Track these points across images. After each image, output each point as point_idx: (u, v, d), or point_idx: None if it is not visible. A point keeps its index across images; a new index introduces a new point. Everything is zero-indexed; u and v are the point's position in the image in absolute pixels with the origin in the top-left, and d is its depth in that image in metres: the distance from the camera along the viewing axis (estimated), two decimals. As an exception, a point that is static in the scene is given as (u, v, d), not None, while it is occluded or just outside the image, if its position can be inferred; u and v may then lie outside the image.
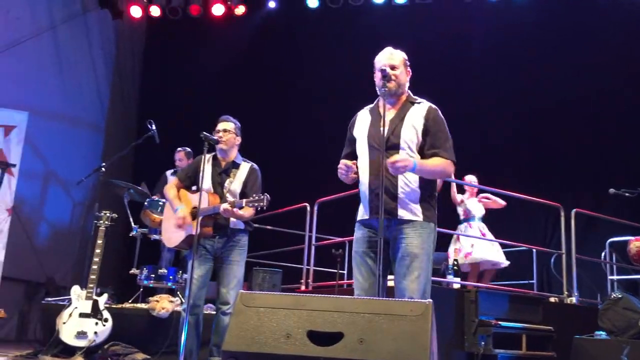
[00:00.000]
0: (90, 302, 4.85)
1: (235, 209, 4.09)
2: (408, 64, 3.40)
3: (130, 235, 6.18)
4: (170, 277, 5.67)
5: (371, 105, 3.45)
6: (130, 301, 5.70)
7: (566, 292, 6.12)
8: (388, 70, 3.26)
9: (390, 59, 3.33)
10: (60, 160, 8.37)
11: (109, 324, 4.85)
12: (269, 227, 7.06)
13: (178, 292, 5.64)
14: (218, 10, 9.28)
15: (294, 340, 2.26)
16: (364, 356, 2.17)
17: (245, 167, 4.42)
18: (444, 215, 6.74)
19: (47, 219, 8.36)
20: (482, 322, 4.68)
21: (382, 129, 3.14)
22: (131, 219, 6.17)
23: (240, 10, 9.36)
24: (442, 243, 6.42)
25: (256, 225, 4.64)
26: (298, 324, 2.29)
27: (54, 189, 8.41)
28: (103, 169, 5.92)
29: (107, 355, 4.83)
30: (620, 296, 5.20)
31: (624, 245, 6.33)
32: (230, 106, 5.89)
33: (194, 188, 4.45)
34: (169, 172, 6.82)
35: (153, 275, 5.65)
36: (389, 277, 3.37)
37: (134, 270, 5.88)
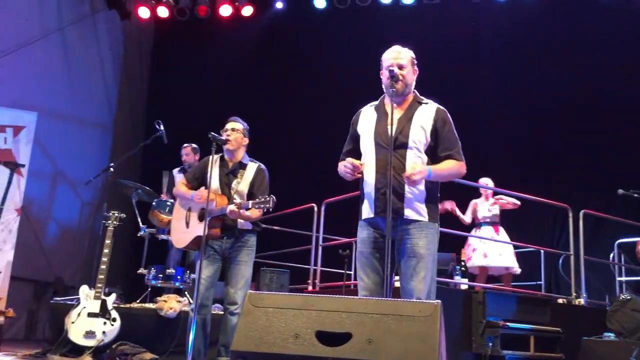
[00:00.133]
0: (98, 302, 4.87)
1: (241, 211, 4.09)
2: (415, 62, 3.38)
3: (138, 235, 6.20)
4: (178, 277, 5.69)
5: (375, 103, 3.43)
6: (138, 301, 5.72)
7: (574, 294, 6.10)
8: (396, 70, 3.24)
9: (398, 58, 3.31)
10: (69, 160, 8.41)
11: (117, 323, 4.86)
12: (276, 227, 7.07)
13: (186, 292, 5.65)
14: (225, 11, 9.31)
15: (302, 340, 2.26)
16: (373, 357, 2.17)
17: (252, 167, 4.43)
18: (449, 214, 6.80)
19: (55, 219, 8.40)
20: (490, 323, 4.67)
21: (389, 127, 3.14)
22: (139, 219, 6.18)
23: (247, 11, 9.37)
24: (450, 244, 6.41)
25: (264, 225, 4.64)
26: (306, 324, 2.29)
27: (63, 189, 8.45)
28: (111, 169, 5.94)
29: (115, 354, 4.84)
30: (628, 297, 5.18)
31: (633, 246, 6.30)
32: (237, 107, 5.91)
33: (202, 189, 4.46)
34: (175, 170, 6.83)
35: (161, 275, 5.67)
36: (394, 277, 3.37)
37: (142, 270, 5.90)
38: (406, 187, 3.16)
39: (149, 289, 5.80)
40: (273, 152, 6.22)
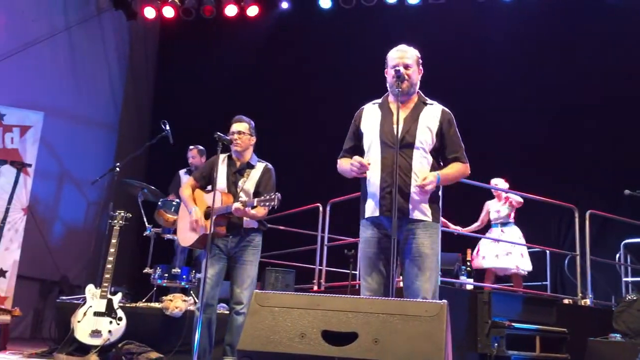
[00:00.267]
0: (104, 301, 4.88)
1: (247, 208, 4.10)
2: (421, 62, 3.39)
3: (144, 234, 6.21)
4: (184, 276, 5.70)
5: (378, 101, 3.42)
6: (144, 300, 5.73)
7: (580, 294, 6.08)
8: (402, 70, 3.24)
9: (404, 57, 3.31)
10: (75, 160, 8.45)
11: (123, 322, 4.87)
12: (281, 227, 7.08)
13: (191, 292, 5.66)
14: (231, 11, 9.32)
15: (308, 340, 2.26)
16: (379, 356, 2.17)
17: (259, 167, 4.44)
18: (460, 216, 6.78)
19: (61, 218, 8.44)
20: (496, 323, 4.66)
21: (395, 126, 3.14)
22: (145, 219, 6.20)
23: (253, 11, 9.38)
24: (455, 244, 6.41)
25: (269, 225, 4.65)
26: (313, 324, 2.29)
27: (69, 188, 8.49)
28: (118, 168, 5.96)
29: (121, 353, 4.85)
30: (635, 298, 5.17)
31: (639, 246, 6.28)
32: (243, 106, 5.91)
33: (208, 188, 4.47)
34: (182, 171, 6.85)
35: (166, 275, 5.68)
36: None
37: (147, 270, 5.91)
38: (412, 187, 3.16)
39: (155, 288, 5.82)
40: (278, 152, 6.20)
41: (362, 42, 9.12)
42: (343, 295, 2.39)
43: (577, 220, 6.30)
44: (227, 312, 4.56)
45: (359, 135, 3.39)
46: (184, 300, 5.28)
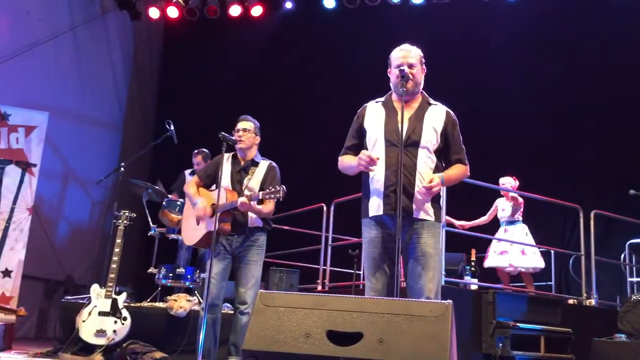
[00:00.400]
0: (109, 301, 4.89)
1: (252, 203, 4.09)
2: (424, 61, 3.39)
3: (149, 234, 6.22)
4: (188, 276, 5.70)
5: (382, 99, 3.42)
6: (148, 300, 5.74)
7: (585, 294, 6.06)
8: (406, 70, 3.25)
9: (408, 57, 3.31)
10: (79, 160, 8.47)
11: (128, 322, 4.88)
12: (285, 227, 7.08)
13: (196, 292, 5.67)
14: (235, 11, 9.33)
15: (313, 340, 2.26)
16: (384, 356, 2.17)
17: (264, 165, 4.45)
18: (464, 216, 6.77)
19: (66, 218, 8.46)
20: (500, 323, 4.66)
21: (399, 125, 3.15)
22: (149, 219, 6.21)
23: (257, 11, 9.39)
24: (460, 244, 6.39)
25: (273, 225, 4.65)
26: (317, 324, 2.29)
27: (73, 188, 8.51)
28: (122, 169, 5.97)
29: (125, 353, 4.86)
30: (640, 298, 5.15)
31: (644, 246, 6.27)
32: (248, 106, 5.91)
33: (213, 187, 4.48)
34: (187, 172, 6.86)
35: (171, 275, 5.69)
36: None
37: (152, 270, 5.92)
38: (416, 186, 3.17)
39: (159, 288, 5.83)
40: (283, 152, 6.21)
41: (366, 42, 9.11)
42: (348, 296, 2.39)
43: (581, 220, 6.29)
44: (232, 311, 4.57)
45: (362, 133, 3.38)
46: (189, 300, 5.29)
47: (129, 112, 9.71)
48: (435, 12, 9.17)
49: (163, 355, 4.89)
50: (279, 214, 5.60)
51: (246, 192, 4.25)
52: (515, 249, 6.74)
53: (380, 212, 3.20)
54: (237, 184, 4.35)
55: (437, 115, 3.32)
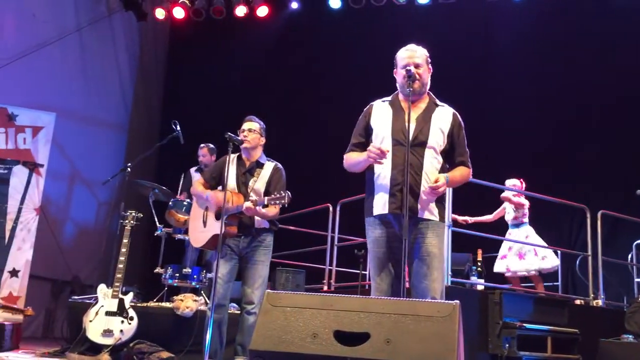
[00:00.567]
0: (116, 301, 4.90)
1: (258, 207, 4.11)
2: (430, 61, 3.39)
3: (155, 234, 6.24)
4: (194, 276, 5.71)
5: (388, 98, 3.42)
6: (155, 300, 5.76)
7: (592, 295, 6.04)
8: (413, 70, 3.25)
9: (414, 57, 3.32)
10: (86, 160, 8.50)
11: (135, 322, 4.90)
12: (291, 227, 7.08)
13: (202, 292, 5.68)
14: (241, 11, 9.34)
15: (320, 340, 2.26)
16: (391, 357, 2.17)
17: (269, 166, 4.45)
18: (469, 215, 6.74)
19: (73, 218, 8.49)
20: (507, 324, 4.65)
21: (406, 125, 3.15)
22: (156, 219, 6.23)
23: (262, 11, 9.40)
24: (466, 245, 6.39)
25: (279, 225, 4.65)
26: (325, 324, 2.30)
27: (80, 189, 8.54)
28: (129, 169, 5.99)
29: (132, 353, 4.87)
30: (647, 299, 5.13)
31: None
32: (253, 106, 5.93)
33: (219, 188, 4.49)
34: (192, 169, 6.87)
35: (177, 275, 5.69)
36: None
37: (158, 270, 5.94)
38: (422, 186, 3.17)
39: (166, 288, 5.84)
40: (288, 152, 6.22)
41: (371, 42, 9.11)
42: (355, 296, 2.39)
43: (588, 220, 6.27)
44: (238, 312, 4.57)
45: (368, 131, 3.38)
46: (195, 300, 5.30)
47: (135, 113, 9.74)
48: (441, 12, 9.15)
49: (170, 355, 4.90)
50: (285, 214, 5.60)
51: (252, 195, 4.25)
52: (512, 253, 6.75)
53: (386, 211, 3.19)
54: (243, 186, 4.35)
55: (444, 116, 3.32)
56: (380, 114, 3.36)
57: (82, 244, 8.36)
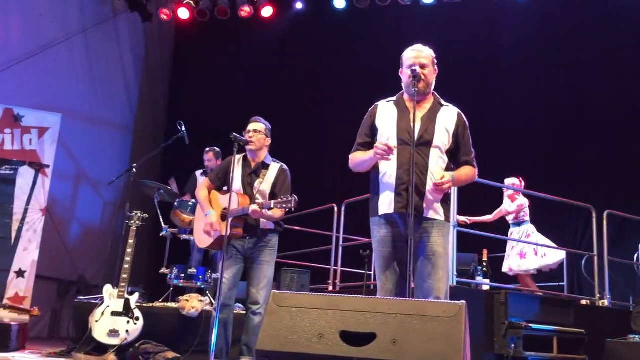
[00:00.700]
0: (122, 301, 4.91)
1: (264, 210, 4.11)
2: (436, 62, 3.39)
3: (161, 235, 6.25)
4: (200, 276, 5.71)
5: (393, 98, 3.42)
6: (160, 300, 5.76)
7: (598, 295, 6.02)
8: (418, 70, 3.25)
9: (420, 57, 3.32)
10: (91, 161, 8.53)
11: (140, 322, 4.90)
12: (296, 227, 7.08)
13: (207, 292, 5.69)
14: (245, 12, 9.34)
15: (326, 340, 2.26)
16: (397, 357, 2.16)
17: (274, 167, 4.45)
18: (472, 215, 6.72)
19: (78, 218, 8.52)
20: (512, 324, 4.63)
21: (412, 124, 3.15)
22: (161, 219, 6.23)
23: (267, 11, 9.41)
24: (471, 245, 6.38)
25: (285, 226, 4.65)
26: (331, 324, 2.29)
27: (85, 189, 8.57)
28: (134, 169, 6.00)
29: (138, 353, 4.88)
30: (653, 299, 5.11)
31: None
32: (258, 107, 5.94)
33: (224, 189, 4.49)
34: (198, 172, 6.88)
35: (183, 275, 5.70)
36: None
37: (164, 270, 5.94)
38: (427, 185, 3.17)
39: (171, 289, 5.84)
40: (294, 152, 6.22)
41: (376, 42, 9.11)
42: (361, 296, 2.39)
43: (594, 220, 6.25)
44: (244, 312, 4.58)
45: (373, 131, 3.38)
46: (200, 301, 5.31)
47: (140, 114, 9.77)
48: (446, 12, 9.14)
49: (175, 355, 4.91)
50: (290, 214, 5.59)
51: (257, 197, 4.25)
52: (514, 253, 6.75)
53: (391, 211, 3.19)
54: (249, 188, 4.35)
55: (449, 116, 3.32)
56: (386, 114, 3.36)
57: (87, 245, 8.39)
